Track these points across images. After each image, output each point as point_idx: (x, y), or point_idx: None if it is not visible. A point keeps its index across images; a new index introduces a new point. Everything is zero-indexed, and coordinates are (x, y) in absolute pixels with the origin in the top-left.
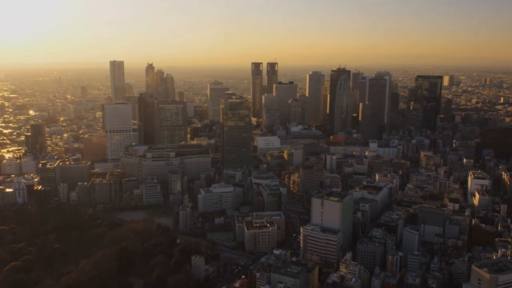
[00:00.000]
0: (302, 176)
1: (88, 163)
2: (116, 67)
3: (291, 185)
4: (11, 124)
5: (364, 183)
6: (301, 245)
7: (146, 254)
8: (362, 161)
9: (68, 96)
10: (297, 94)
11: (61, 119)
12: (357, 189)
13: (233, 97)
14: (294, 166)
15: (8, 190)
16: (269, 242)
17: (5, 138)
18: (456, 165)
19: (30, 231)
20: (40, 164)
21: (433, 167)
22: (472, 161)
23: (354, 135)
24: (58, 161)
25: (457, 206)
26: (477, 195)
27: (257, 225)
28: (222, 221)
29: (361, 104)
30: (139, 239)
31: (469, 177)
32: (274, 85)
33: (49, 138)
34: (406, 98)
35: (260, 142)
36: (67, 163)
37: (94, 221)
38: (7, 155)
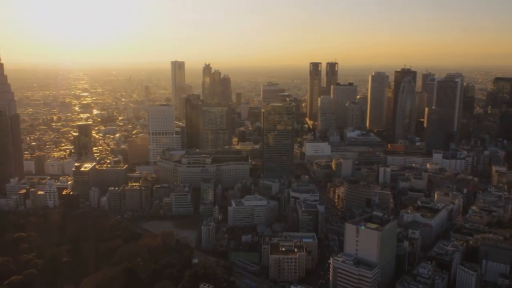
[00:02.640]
0: (347, 191)
1: (125, 167)
2: (177, 67)
3: (336, 200)
4: (70, 123)
5: (418, 203)
6: (330, 278)
7: (153, 276)
8: (421, 175)
9: (134, 96)
10: (358, 97)
11: (120, 118)
12: (409, 211)
13: (287, 99)
14: (341, 178)
15: (40, 192)
16: (296, 270)
17: (60, 136)
18: None
19: (47, 239)
20: (75, 167)
21: (506, 186)
22: None
23: (418, 144)
24: (93, 164)
25: None
26: None
27: (284, 249)
28: (249, 239)
29: (426, 109)
30: (152, 257)
31: None
32: (332, 86)
33: (102, 138)
34: (483, 102)
35: (309, 149)
36: (104, 166)
37: (114, 231)
38: (57, 154)
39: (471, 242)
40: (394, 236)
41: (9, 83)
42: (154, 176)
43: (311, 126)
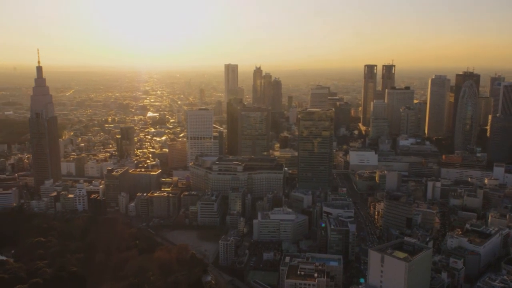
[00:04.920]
0: (386, 208)
1: (158, 172)
2: (230, 70)
3: (375, 217)
4: (121, 124)
5: (467, 225)
6: None
7: None
8: (475, 191)
9: (190, 99)
10: (415, 101)
11: (171, 120)
12: (455, 234)
13: (338, 103)
14: (385, 191)
15: (70, 196)
16: None
17: (109, 138)
18: None
19: (63, 246)
20: (106, 170)
21: None
22: None
23: (478, 155)
24: (126, 168)
25: None
26: None
27: (303, 272)
28: (271, 257)
29: (490, 116)
30: (162, 272)
31: None
32: (386, 90)
33: (149, 140)
34: None
35: (353, 157)
36: (138, 170)
37: (132, 241)
38: (102, 156)
39: None
40: (427, 267)
41: (48, 86)
42: (184, 182)
43: (363, 132)
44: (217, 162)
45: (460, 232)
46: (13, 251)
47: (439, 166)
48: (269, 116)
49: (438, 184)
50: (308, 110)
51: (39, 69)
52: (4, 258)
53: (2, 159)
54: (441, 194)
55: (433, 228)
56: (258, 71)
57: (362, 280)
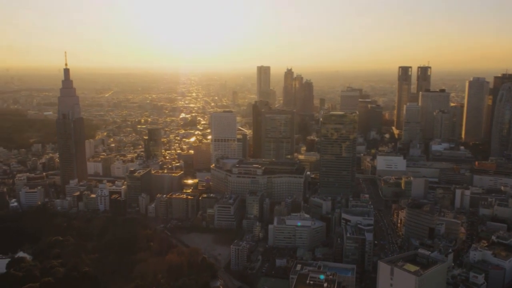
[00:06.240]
0: (407, 217)
1: (180, 173)
2: (262, 72)
3: (398, 225)
4: (153, 126)
5: (493, 237)
6: None
7: None
8: (507, 201)
9: (224, 101)
10: (452, 104)
11: (202, 122)
12: (479, 247)
13: (369, 105)
14: (410, 199)
15: (92, 195)
16: None
17: (139, 138)
18: None
19: (80, 246)
20: (128, 171)
21: None
22: None
23: None
24: (148, 169)
25: None
26: None
27: (312, 282)
28: (283, 264)
29: None
30: (171, 275)
31: None
32: (420, 93)
33: (178, 142)
34: None
35: (380, 162)
36: (160, 171)
37: (146, 243)
38: (131, 156)
39: None
40: (441, 282)
41: (75, 87)
42: (204, 184)
43: (396, 136)
44: (237, 165)
45: (486, 244)
46: (32, 249)
47: (472, 173)
48: (293, 119)
49: (467, 192)
50: (330, 113)
51: (66, 71)
52: (25, 255)
53: (34, 158)
54: (470, 202)
55: (458, 239)
56: (289, 72)
57: None
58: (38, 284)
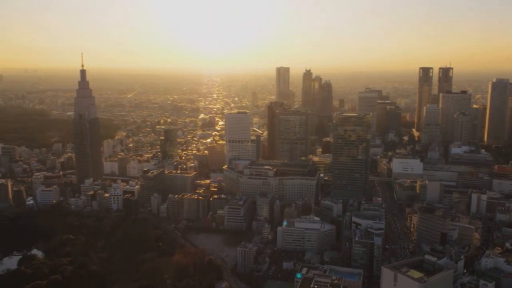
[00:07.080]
0: (419, 221)
1: (193, 174)
2: (282, 73)
3: (411, 230)
4: (172, 126)
5: (507, 244)
6: None
7: None
8: None
9: (244, 101)
10: (475, 106)
11: (220, 123)
12: (492, 254)
13: (388, 106)
14: (425, 203)
15: (106, 195)
16: None
17: (157, 139)
18: None
19: (90, 244)
20: (142, 171)
21: None
22: None
23: None
24: (162, 169)
25: None
26: None
27: (316, 286)
28: (290, 267)
29: None
30: (177, 275)
31: None
32: (441, 94)
33: (195, 142)
34: None
35: (396, 165)
36: (174, 172)
37: (155, 243)
38: (148, 156)
39: None
40: None
41: (91, 88)
42: (216, 185)
43: (416, 138)
44: (248, 166)
45: (500, 251)
46: (44, 247)
47: (491, 177)
48: (308, 120)
49: (484, 196)
50: (344, 114)
51: (83, 72)
52: (38, 253)
53: (53, 157)
54: (487, 207)
55: (471, 245)
56: (308, 73)
57: None
58: (46, 281)
